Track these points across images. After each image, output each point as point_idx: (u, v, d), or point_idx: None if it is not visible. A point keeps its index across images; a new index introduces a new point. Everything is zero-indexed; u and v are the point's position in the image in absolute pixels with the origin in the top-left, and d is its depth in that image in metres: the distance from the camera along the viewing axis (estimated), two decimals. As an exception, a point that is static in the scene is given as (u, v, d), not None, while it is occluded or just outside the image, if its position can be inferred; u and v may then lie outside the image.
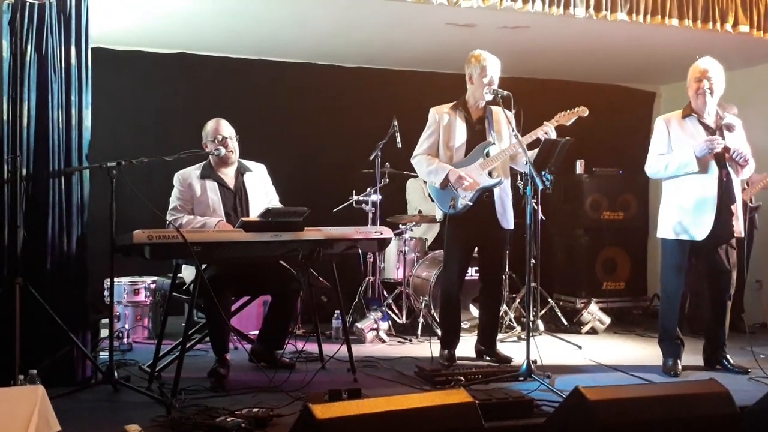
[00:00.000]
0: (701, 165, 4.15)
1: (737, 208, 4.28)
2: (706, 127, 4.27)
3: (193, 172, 4.30)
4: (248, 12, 5.14)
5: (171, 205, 4.24)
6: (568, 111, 4.40)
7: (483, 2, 4.63)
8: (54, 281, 3.87)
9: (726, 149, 4.17)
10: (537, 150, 4.38)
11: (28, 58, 3.81)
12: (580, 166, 6.65)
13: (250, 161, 4.50)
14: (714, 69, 4.25)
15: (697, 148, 4.15)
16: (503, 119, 4.46)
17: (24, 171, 3.81)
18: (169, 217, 4.14)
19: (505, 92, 4.26)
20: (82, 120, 3.99)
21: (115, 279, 3.92)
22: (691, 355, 4.55)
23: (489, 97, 4.41)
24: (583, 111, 4.40)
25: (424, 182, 6.06)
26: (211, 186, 4.27)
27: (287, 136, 6.49)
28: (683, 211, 4.25)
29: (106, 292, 4.95)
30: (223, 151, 4.25)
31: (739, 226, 4.30)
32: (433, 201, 4.70)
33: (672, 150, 4.30)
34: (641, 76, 7.31)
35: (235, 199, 4.32)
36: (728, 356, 4.43)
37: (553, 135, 4.33)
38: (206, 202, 4.23)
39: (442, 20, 5.24)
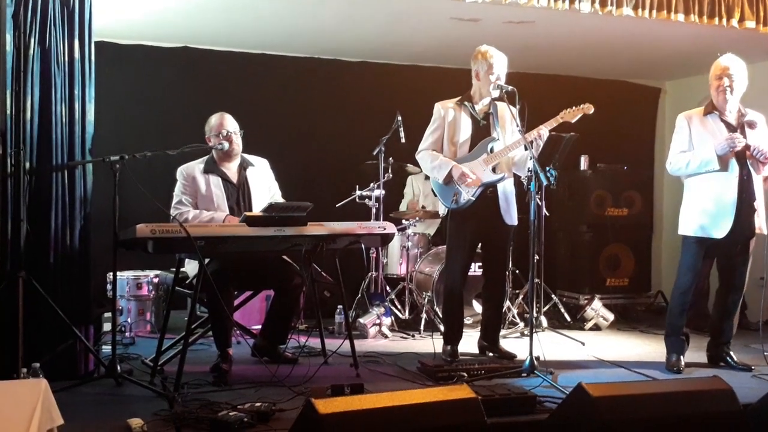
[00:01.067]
0: (722, 163, 4.14)
1: (760, 205, 4.27)
2: (728, 125, 4.25)
3: (196, 166, 4.29)
4: (251, 6, 5.13)
5: (175, 200, 4.23)
6: (574, 108, 4.38)
7: (488, -4, 4.61)
8: (57, 275, 3.87)
9: (747, 147, 4.16)
10: (541, 145, 4.36)
11: (31, 52, 3.80)
12: (584, 162, 6.63)
13: (253, 156, 4.49)
14: (735, 66, 4.22)
15: (718, 146, 4.14)
16: (508, 115, 4.44)
17: (27, 165, 3.80)
18: (174, 212, 4.14)
19: (510, 87, 4.24)
20: (86, 114, 3.98)
21: (118, 273, 3.93)
22: (695, 352, 4.54)
23: (495, 94, 4.39)
24: (589, 108, 4.37)
25: (427, 179, 6.07)
26: (215, 181, 4.27)
27: (290, 130, 6.48)
28: (704, 209, 4.24)
29: (109, 286, 4.95)
30: (226, 145, 4.24)
31: (761, 223, 4.29)
32: (435, 196, 4.69)
33: (693, 147, 4.28)
34: (646, 72, 7.29)
35: (239, 193, 4.31)
36: (732, 353, 4.42)
37: (545, 136, 4.30)
38: (210, 197, 4.22)
39: (447, 14, 5.23)
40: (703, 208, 4.25)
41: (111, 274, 3.91)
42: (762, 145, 4.17)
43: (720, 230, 4.19)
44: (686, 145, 4.32)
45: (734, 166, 4.18)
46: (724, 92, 4.21)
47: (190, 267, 4.14)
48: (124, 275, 5.19)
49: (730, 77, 4.20)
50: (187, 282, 4.19)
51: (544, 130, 4.30)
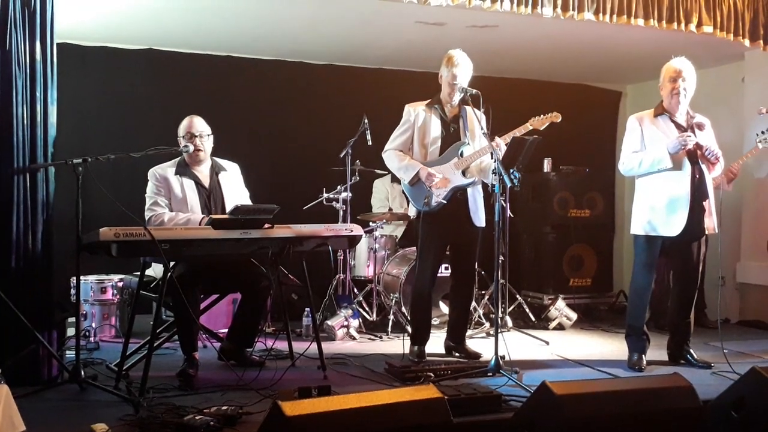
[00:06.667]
0: (674, 162, 4.22)
1: (710, 205, 4.35)
2: (678, 126, 4.34)
3: (168, 167, 4.25)
4: (216, 8, 5.11)
5: (149, 201, 4.15)
6: (542, 116, 4.45)
7: (452, 1, 4.65)
8: (19, 279, 3.80)
9: (698, 146, 4.24)
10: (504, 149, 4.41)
11: (-9, 53, 3.75)
12: (547, 165, 6.72)
13: (224, 160, 4.46)
14: (688, 69, 4.32)
15: (670, 144, 4.21)
16: (476, 119, 4.49)
17: (-13, 168, 3.75)
18: (149, 213, 4.08)
19: (474, 90, 4.29)
20: (48, 116, 3.92)
21: (82, 277, 3.86)
22: (656, 350, 4.62)
23: (459, 96, 4.44)
24: (556, 117, 4.45)
25: (393, 182, 6.09)
26: (188, 183, 4.22)
27: (257, 133, 6.46)
28: (656, 209, 4.31)
29: (73, 291, 4.88)
30: (191, 147, 4.20)
31: (712, 223, 4.37)
32: (407, 198, 4.71)
33: (645, 147, 4.36)
34: (608, 76, 7.41)
35: (209, 197, 4.27)
36: (692, 351, 4.51)
37: (504, 148, 4.36)
38: (185, 199, 4.17)
39: (412, 18, 5.26)
40: (654, 207, 4.32)
41: (74, 278, 3.85)
42: (713, 145, 4.28)
43: (672, 228, 4.26)
44: (638, 145, 4.39)
45: (687, 165, 4.26)
46: (679, 94, 4.30)
47: (158, 268, 4.09)
48: (88, 279, 5.12)
49: (684, 80, 4.30)
50: (152, 285, 4.14)
51: (508, 140, 4.35)
